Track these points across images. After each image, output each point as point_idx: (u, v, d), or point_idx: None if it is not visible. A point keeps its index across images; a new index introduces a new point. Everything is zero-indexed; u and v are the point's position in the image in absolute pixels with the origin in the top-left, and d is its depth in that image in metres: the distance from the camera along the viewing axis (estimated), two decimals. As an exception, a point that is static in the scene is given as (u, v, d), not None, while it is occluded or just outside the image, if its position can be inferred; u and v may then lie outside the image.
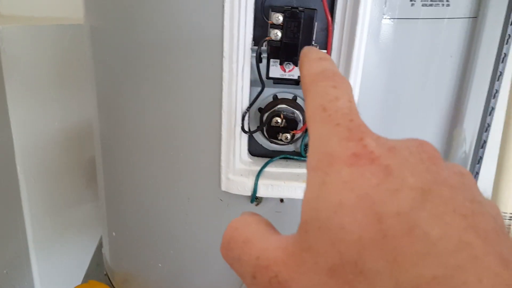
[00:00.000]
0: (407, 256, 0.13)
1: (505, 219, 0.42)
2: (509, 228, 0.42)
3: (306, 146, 0.44)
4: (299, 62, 0.21)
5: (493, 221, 0.14)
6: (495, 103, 0.62)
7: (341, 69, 0.38)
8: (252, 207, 0.44)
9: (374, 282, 0.13)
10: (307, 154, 0.17)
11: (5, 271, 0.79)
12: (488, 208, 0.15)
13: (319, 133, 0.17)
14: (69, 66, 0.78)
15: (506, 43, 0.56)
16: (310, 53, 0.21)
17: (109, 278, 0.64)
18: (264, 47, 0.39)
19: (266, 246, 0.16)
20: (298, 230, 0.16)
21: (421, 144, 0.16)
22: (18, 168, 0.78)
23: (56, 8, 0.80)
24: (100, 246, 0.70)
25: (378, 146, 0.15)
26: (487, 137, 0.65)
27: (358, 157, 0.15)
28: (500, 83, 0.59)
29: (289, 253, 0.15)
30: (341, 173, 0.15)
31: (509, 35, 0.55)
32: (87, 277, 0.65)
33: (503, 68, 0.58)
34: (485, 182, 0.62)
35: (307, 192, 0.16)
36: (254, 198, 0.43)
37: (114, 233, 0.58)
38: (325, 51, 0.38)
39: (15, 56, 0.72)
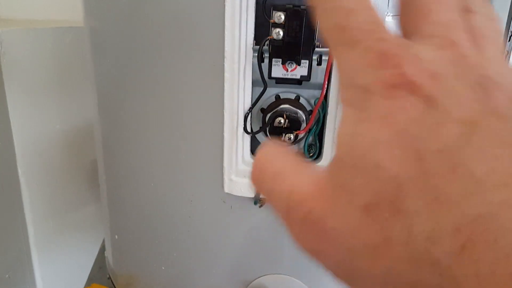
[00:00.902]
0: (449, 195, 0.12)
1: None
2: None
3: (309, 146, 0.43)
4: None
5: None
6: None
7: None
8: (255, 208, 0.44)
9: (411, 223, 0.12)
10: (340, 85, 0.15)
11: (7, 275, 0.79)
12: None
13: (346, 61, 0.15)
14: (70, 69, 0.77)
15: (509, 40, 0.55)
16: None
17: (112, 282, 0.64)
18: (266, 47, 0.38)
19: (299, 180, 0.15)
20: (331, 166, 0.15)
21: (474, 69, 0.14)
22: (19, 171, 0.78)
23: (56, 11, 0.80)
24: (102, 249, 0.70)
25: (419, 72, 0.13)
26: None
27: (397, 88, 0.13)
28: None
29: (322, 190, 0.14)
30: (378, 107, 0.14)
31: (511, 32, 0.55)
32: (90, 281, 0.65)
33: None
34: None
35: (342, 127, 0.15)
36: (258, 200, 0.43)
37: (116, 236, 0.58)
38: (327, 49, 0.38)
39: (15, 59, 0.72)
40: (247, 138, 0.42)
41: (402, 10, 0.16)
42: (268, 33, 0.37)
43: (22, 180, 0.79)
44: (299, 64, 0.38)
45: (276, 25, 0.37)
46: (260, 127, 0.41)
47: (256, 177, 0.17)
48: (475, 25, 0.16)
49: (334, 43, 0.15)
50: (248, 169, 0.42)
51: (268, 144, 0.18)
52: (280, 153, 0.17)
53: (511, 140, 0.12)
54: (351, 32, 0.15)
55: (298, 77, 0.39)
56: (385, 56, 0.14)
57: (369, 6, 0.15)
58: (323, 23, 0.16)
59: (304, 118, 0.40)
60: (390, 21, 0.38)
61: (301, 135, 0.41)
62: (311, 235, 0.15)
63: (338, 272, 0.15)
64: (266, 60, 0.39)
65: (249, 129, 0.41)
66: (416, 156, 0.13)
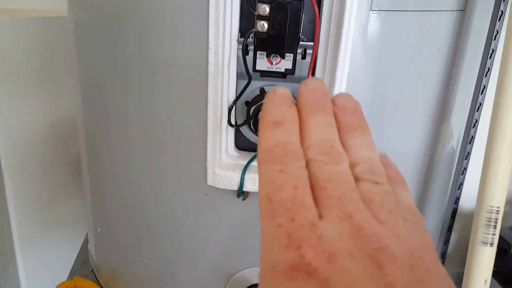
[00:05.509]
0: None
1: (492, 212, 0.42)
2: (496, 221, 0.42)
3: (293, 140, 0.43)
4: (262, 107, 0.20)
5: None
6: (483, 99, 0.62)
7: (328, 62, 0.38)
8: (238, 201, 0.44)
9: None
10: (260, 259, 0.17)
11: (-11, 268, 0.78)
12: None
13: (265, 235, 0.16)
14: (54, 59, 0.76)
15: (494, 39, 0.56)
16: (268, 111, 0.19)
17: (94, 275, 0.63)
18: (250, 39, 0.38)
19: None
20: None
21: (368, 242, 0.15)
22: (3, 162, 0.77)
23: (41, 0, 0.79)
24: (86, 243, 0.69)
25: (316, 255, 0.15)
26: (475, 132, 0.65)
27: (296, 270, 0.15)
28: (488, 79, 0.60)
29: None
30: None
31: (497, 31, 0.55)
32: (72, 274, 0.65)
33: (491, 64, 0.58)
34: (474, 177, 0.62)
35: None
36: (241, 193, 0.43)
37: (99, 229, 0.57)
38: (312, 43, 0.38)
39: (-2, 48, 0.71)
40: (231, 131, 0.42)
41: (310, 182, 0.18)
42: (253, 25, 0.37)
43: (5, 172, 0.78)
44: (283, 57, 0.38)
45: (261, 17, 0.37)
46: (244, 120, 0.41)
47: None
48: (364, 191, 0.17)
49: (262, 210, 0.17)
50: (231, 162, 0.42)
51: None
52: None
53: None
54: (274, 206, 0.16)
55: (283, 70, 0.39)
56: (291, 237, 0.15)
57: (296, 183, 0.17)
58: (259, 189, 0.17)
59: (288, 111, 0.40)
60: (374, 16, 0.38)
61: (285, 129, 0.41)
62: None
63: None
64: (251, 53, 0.39)
65: (233, 122, 0.41)
66: None
